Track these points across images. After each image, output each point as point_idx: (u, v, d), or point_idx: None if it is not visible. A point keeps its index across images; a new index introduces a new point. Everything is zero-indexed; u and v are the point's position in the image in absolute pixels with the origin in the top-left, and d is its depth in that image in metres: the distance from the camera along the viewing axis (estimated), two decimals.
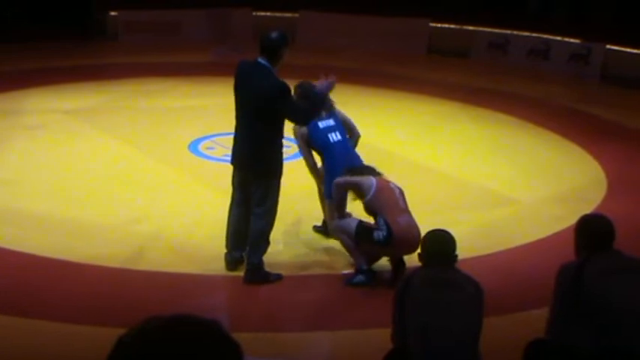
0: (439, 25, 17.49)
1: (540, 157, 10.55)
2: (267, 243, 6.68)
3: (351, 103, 12.96)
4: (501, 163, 10.15)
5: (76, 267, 6.81)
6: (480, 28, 17.20)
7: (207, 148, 10.02)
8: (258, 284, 6.62)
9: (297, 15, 18.25)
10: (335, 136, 7.17)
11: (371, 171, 6.82)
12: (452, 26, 17.47)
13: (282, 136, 6.58)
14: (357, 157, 7.23)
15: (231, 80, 6.63)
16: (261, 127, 6.39)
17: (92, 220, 7.83)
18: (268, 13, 18.03)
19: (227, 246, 6.81)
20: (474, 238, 7.49)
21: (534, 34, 16.50)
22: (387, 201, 6.54)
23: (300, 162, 7.53)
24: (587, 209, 7.62)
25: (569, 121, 12.30)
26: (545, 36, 16.37)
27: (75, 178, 9.01)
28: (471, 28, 17.29)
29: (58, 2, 17.91)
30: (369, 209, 6.66)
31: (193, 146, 10.08)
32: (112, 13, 18.12)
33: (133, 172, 9.32)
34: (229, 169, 6.86)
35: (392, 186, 6.66)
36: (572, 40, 16.02)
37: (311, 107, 6.51)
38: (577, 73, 15.64)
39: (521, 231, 7.97)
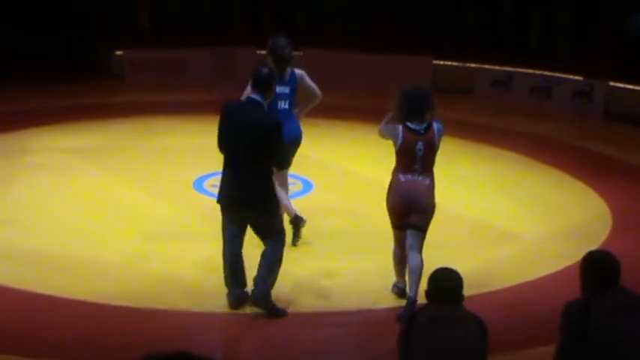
0: (442, 62, 17.60)
1: (545, 193, 10.55)
2: (280, 265, 6.71)
3: (354, 139, 13.08)
4: (505, 200, 10.15)
5: (78, 305, 6.79)
6: (483, 66, 17.30)
7: (212, 186, 10.03)
8: (264, 318, 6.60)
9: (301, 53, 18.37)
10: (283, 104, 7.89)
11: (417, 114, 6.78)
12: (455, 64, 17.58)
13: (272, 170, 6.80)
14: (296, 123, 7.95)
15: None
16: (259, 164, 6.52)
17: (95, 258, 7.82)
18: None
19: (228, 286, 6.78)
20: (478, 275, 7.47)
21: (537, 72, 16.59)
22: (403, 160, 6.70)
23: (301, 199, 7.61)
24: (593, 246, 7.59)
25: (574, 158, 12.32)
26: (548, 73, 16.46)
27: (79, 217, 9.02)
28: (473, 65, 17.39)
29: (65, 41, 18.08)
30: None
31: (198, 184, 10.10)
32: (119, 52, 18.29)
33: (138, 209, 9.33)
34: None
35: (417, 148, 6.66)
36: (575, 77, 16.09)
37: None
38: (580, 110, 15.68)
39: (525, 268, 7.95)
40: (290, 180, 9.43)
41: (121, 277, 7.43)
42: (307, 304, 7.04)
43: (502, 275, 7.74)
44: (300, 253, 7.97)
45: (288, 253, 7.42)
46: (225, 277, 6.76)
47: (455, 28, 18.51)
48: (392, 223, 6.90)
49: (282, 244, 6.72)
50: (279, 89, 7.58)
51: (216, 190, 9.76)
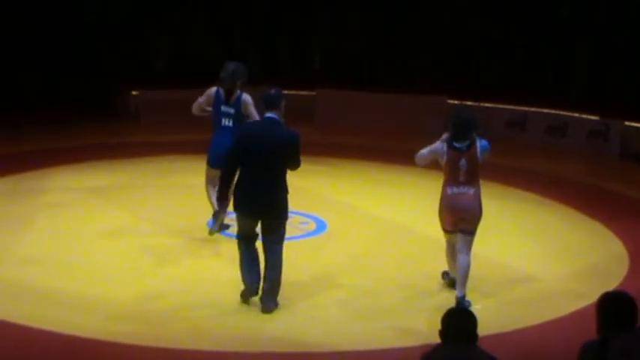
0: (457, 102, 17.60)
1: (560, 233, 10.49)
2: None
3: (367, 179, 13.08)
4: (521, 240, 10.10)
5: (94, 344, 6.79)
6: (498, 105, 17.30)
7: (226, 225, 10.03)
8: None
9: (314, 93, 18.47)
10: (227, 122, 9.02)
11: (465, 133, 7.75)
12: (470, 103, 17.58)
13: None
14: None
15: None
16: (281, 174, 7.19)
17: (111, 296, 7.83)
18: (285, 92, 18.24)
19: (244, 280, 7.27)
20: (495, 316, 7.43)
21: (552, 111, 16.58)
22: (449, 174, 7.64)
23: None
24: (609, 286, 7.54)
25: (589, 197, 12.26)
26: (563, 113, 16.44)
27: (96, 256, 9.04)
28: (488, 105, 17.39)
29: (82, 83, 18.30)
30: None
31: (213, 223, 10.11)
32: (134, 93, 18.49)
33: (153, 248, 9.34)
34: None
35: (460, 164, 7.59)
36: (590, 117, 16.07)
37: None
38: (596, 149, 15.64)
39: (542, 308, 7.88)
40: (303, 219, 9.41)
41: (135, 315, 7.42)
42: (332, 343, 6.99)
43: (517, 315, 7.67)
44: (319, 292, 7.94)
45: (307, 294, 7.41)
46: (242, 273, 7.23)
47: (469, 69, 18.58)
48: (443, 228, 7.84)
49: (282, 245, 7.35)
50: (224, 108, 9.02)
51: (229, 230, 9.83)
